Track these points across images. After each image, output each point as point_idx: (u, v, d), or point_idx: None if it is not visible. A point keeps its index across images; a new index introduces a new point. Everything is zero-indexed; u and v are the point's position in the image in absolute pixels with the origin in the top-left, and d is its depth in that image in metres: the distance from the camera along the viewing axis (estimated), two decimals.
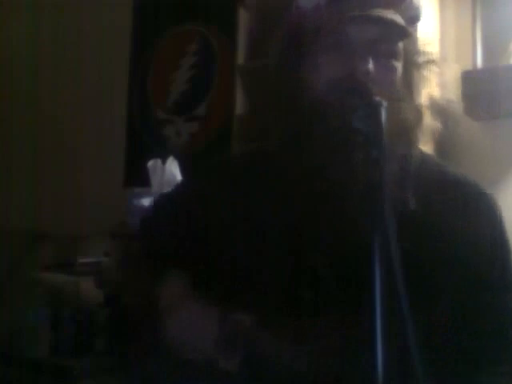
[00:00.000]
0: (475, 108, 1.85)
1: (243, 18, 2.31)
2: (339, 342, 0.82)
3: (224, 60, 2.64)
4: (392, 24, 0.84)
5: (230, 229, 0.96)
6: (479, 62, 1.93)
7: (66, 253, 2.53)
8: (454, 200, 0.93)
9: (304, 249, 0.89)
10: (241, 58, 2.28)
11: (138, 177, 2.45)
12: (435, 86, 0.95)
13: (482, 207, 0.94)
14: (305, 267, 0.89)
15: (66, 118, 3.12)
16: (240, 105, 2.27)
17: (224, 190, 1.01)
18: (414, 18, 0.89)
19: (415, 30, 0.92)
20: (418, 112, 0.91)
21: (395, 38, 0.86)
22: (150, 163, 2.28)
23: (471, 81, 1.83)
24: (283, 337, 0.85)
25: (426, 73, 0.92)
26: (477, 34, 1.95)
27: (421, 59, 0.92)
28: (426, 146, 1.83)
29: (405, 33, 0.86)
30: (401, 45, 0.87)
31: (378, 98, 0.79)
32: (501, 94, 1.78)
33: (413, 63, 0.90)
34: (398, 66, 0.88)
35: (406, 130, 0.89)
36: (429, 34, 1.92)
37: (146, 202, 2.21)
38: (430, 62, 0.93)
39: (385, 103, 0.78)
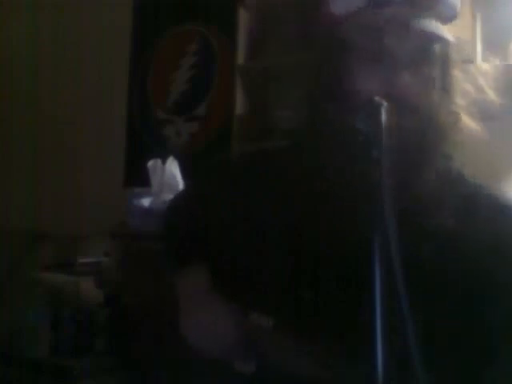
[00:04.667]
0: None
1: (243, 18, 2.31)
2: (339, 342, 0.82)
3: (224, 60, 2.64)
4: (430, 35, 0.82)
5: (230, 229, 0.96)
6: (479, 62, 1.93)
7: (66, 253, 2.53)
8: (486, 219, 0.86)
9: (304, 249, 0.89)
10: (241, 58, 2.29)
11: (138, 177, 2.45)
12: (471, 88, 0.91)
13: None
14: (305, 267, 0.89)
15: (66, 118, 3.12)
16: (240, 105, 2.27)
17: (224, 190, 1.01)
18: (450, 17, 0.86)
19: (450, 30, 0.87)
20: (455, 116, 0.88)
21: (431, 46, 0.84)
22: (150, 163, 2.28)
23: None
24: (283, 336, 0.85)
25: (461, 72, 0.89)
26: (477, 34, 1.95)
27: (457, 58, 0.88)
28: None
29: (440, 40, 0.84)
30: (437, 47, 0.85)
31: (378, 98, 0.79)
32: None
33: (449, 63, 0.87)
34: (435, 70, 0.85)
35: (445, 136, 0.86)
36: None
37: (146, 202, 2.21)
38: (466, 60, 0.91)
39: (385, 103, 0.78)
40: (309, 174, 0.90)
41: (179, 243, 1.02)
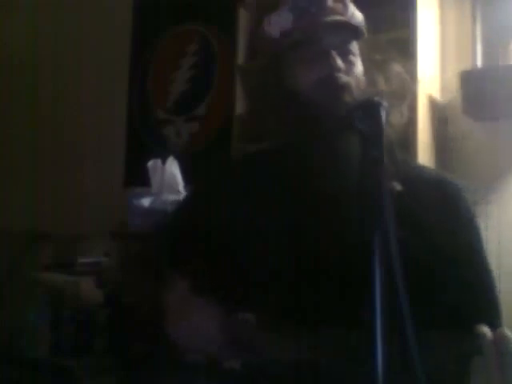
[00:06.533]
0: (475, 108, 1.85)
1: (243, 18, 2.31)
2: (339, 341, 0.82)
3: (224, 60, 2.64)
4: (349, 26, 0.96)
5: (231, 229, 0.96)
6: (479, 62, 1.93)
7: (66, 253, 2.53)
8: (431, 191, 0.96)
9: (304, 249, 0.89)
10: (241, 58, 2.28)
11: (138, 177, 2.45)
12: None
13: (455, 198, 0.97)
14: (305, 267, 0.89)
15: (66, 118, 3.12)
16: (240, 105, 2.27)
17: (225, 190, 1.01)
18: (359, 24, 0.99)
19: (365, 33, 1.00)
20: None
21: (352, 37, 0.96)
22: (150, 163, 2.28)
23: (471, 81, 1.83)
24: (283, 336, 0.85)
25: (386, 71, 0.99)
26: (477, 34, 1.95)
27: (378, 57, 0.99)
28: (424, 146, 1.82)
29: (358, 32, 0.97)
30: (355, 44, 0.97)
31: (377, 98, 0.79)
32: (501, 94, 1.78)
33: (371, 61, 0.98)
34: (357, 61, 0.96)
35: None
36: (429, 33, 1.92)
37: (146, 202, 2.21)
38: (388, 59, 1.00)
39: (385, 103, 0.78)
40: (309, 173, 0.91)
41: (176, 244, 1.02)
